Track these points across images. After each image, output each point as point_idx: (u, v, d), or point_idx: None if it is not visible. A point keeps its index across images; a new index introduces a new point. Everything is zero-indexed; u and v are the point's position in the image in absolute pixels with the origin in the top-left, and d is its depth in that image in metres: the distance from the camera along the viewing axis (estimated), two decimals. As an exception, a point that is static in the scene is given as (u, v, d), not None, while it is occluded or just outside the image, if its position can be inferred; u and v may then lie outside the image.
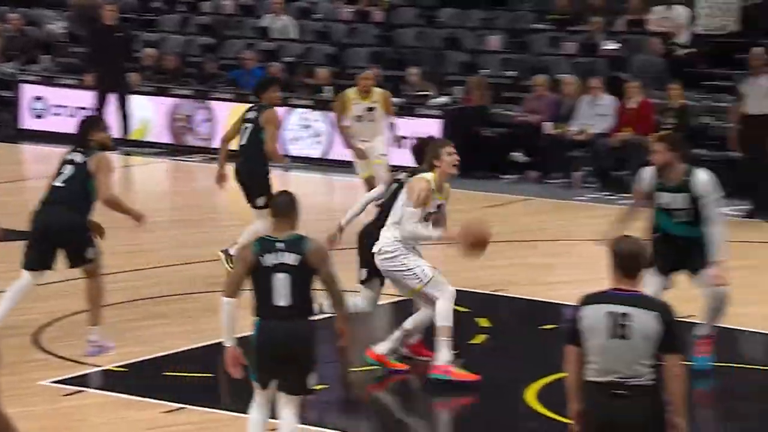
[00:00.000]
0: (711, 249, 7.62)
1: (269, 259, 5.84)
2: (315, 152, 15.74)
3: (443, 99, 15.83)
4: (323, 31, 18.22)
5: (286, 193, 6.13)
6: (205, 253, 10.81)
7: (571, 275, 10.12)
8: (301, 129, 15.94)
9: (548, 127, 14.99)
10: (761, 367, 8.38)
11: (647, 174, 7.74)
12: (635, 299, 5.11)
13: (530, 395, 7.45)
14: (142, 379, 7.78)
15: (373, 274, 7.88)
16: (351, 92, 12.18)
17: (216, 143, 16.61)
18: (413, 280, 7.57)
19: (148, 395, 7.41)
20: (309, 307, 5.91)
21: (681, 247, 7.70)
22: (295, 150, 15.65)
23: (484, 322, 8.36)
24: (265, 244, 5.90)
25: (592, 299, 5.17)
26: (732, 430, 7.28)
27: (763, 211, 12.77)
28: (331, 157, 15.46)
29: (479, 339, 8.37)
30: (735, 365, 8.25)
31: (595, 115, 14.76)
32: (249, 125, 10.02)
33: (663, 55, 15.48)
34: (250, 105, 10.37)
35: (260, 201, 9.84)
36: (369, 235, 7.93)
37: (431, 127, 15.13)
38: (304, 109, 15.93)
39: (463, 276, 8.94)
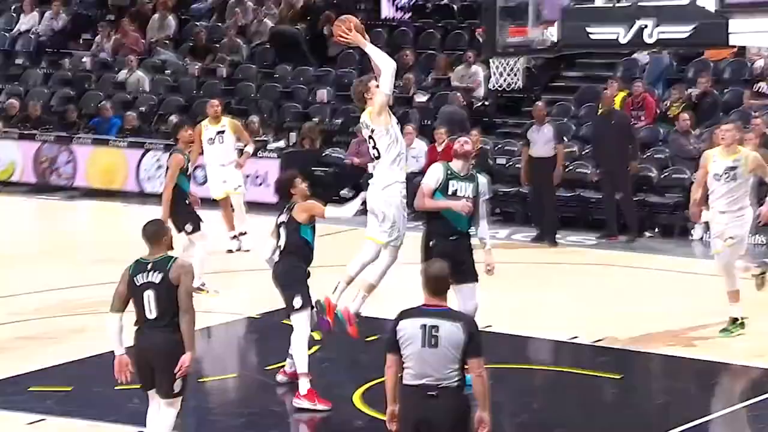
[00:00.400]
0: (484, 239, 7.63)
1: (140, 279, 5.98)
2: (168, 190, 15.52)
3: (281, 143, 15.84)
4: (174, 85, 17.97)
5: (153, 222, 6.22)
6: (65, 281, 10.45)
7: (390, 293, 10.16)
8: (156, 169, 15.73)
9: (370, 168, 15.08)
10: (548, 368, 8.57)
11: (438, 168, 7.61)
12: (443, 313, 5.21)
13: (357, 397, 7.41)
14: (7, 394, 7.41)
15: (306, 300, 7.49)
16: (204, 121, 12.46)
17: (77, 182, 16.39)
18: (383, 233, 7.31)
19: (12, 409, 7.07)
20: (175, 320, 5.93)
21: (455, 251, 7.38)
22: (150, 187, 15.52)
23: (317, 335, 8.28)
24: (138, 266, 6.03)
25: (408, 314, 5.24)
26: (526, 421, 7.42)
27: (547, 238, 13.17)
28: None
29: (313, 350, 8.28)
30: (527, 366, 8.43)
31: (410, 157, 14.95)
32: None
33: (465, 107, 15.86)
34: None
35: (188, 228, 9.94)
36: (285, 272, 7.52)
37: (271, 167, 15.16)
38: (158, 152, 15.70)
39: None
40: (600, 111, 13.88)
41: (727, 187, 8.82)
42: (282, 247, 7.63)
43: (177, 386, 5.99)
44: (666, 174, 13.87)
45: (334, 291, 7.53)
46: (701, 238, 13.16)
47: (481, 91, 16.37)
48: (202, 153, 12.20)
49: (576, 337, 8.94)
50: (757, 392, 7.63)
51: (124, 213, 14.84)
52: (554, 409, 7.53)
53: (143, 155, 15.68)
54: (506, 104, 16.13)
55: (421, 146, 14.93)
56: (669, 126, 14.56)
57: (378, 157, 7.51)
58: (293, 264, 7.58)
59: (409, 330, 5.17)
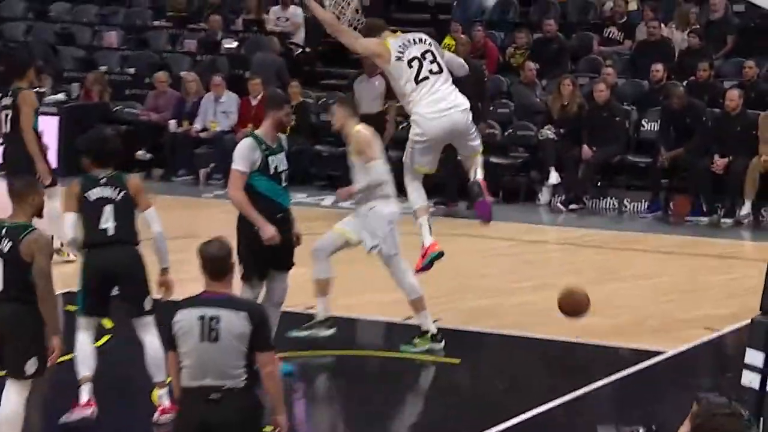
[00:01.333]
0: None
1: None
2: None
3: (60, 96, 15.42)
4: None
5: (21, 179, 6.21)
6: None
7: (198, 272, 10.14)
8: None
9: (172, 125, 14.96)
10: (379, 354, 8.76)
11: (250, 146, 7.38)
12: (224, 301, 5.13)
13: (155, 395, 7.35)
14: None
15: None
16: None
17: None
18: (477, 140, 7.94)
19: None
20: (25, 294, 5.92)
21: (283, 233, 7.47)
22: None
23: (108, 323, 8.19)
24: None
25: (185, 303, 5.18)
26: (357, 412, 7.60)
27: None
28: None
29: (103, 340, 8.18)
30: (357, 353, 8.60)
31: (219, 112, 14.91)
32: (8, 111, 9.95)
33: (282, 54, 15.88)
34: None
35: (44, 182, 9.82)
36: (135, 264, 6.96)
37: (49, 125, 14.69)
38: None
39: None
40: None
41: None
42: (114, 231, 6.89)
43: (30, 366, 5.97)
44: (510, 131, 14.35)
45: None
46: (549, 202, 13.72)
47: (301, 36, 16.43)
48: None
49: (410, 318, 9.18)
50: (605, 373, 8.08)
51: None
52: (387, 399, 7.74)
53: None
54: (331, 52, 16.27)
55: (231, 99, 14.91)
56: (512, 76, 15.06)
57: (440, 71, 7.78)
58: (138, 255, 6.97)
59: (186, 322, 5.10)
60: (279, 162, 7.51)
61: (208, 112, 14.94)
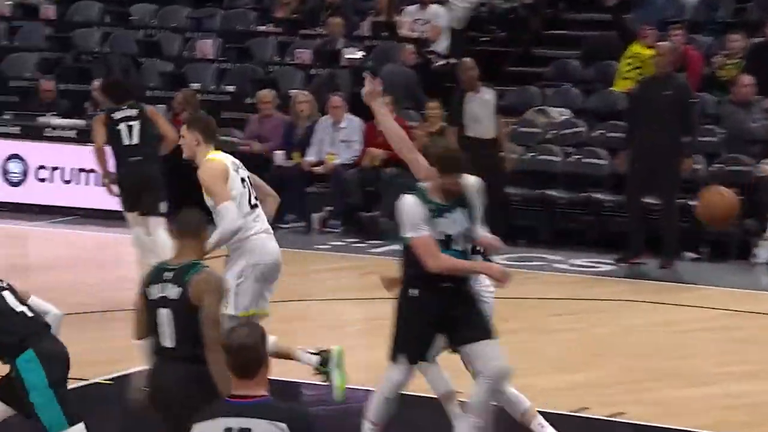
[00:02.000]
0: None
1: (155, 292, 6.32)
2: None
3: (141, 121, 15.87)
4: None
5: (191, 212, 6.53)
6: None
7: (309, 343, 10.30)
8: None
9: (279, 157, 15.26)
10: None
11: (413, 206, 7.38)
12: (256, 408, 5.07)
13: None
14: None
15: None
16: None
17: None
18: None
19: None
20: (197, 350, 6.18)
21: (448, 304, 7.46)
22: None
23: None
24: (156, 274, 6.38)
25: (206, 414, 5.12)
26: None
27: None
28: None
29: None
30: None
31: (338, 140, 15.14)
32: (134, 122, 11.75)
33: (418, 66, 16.04)
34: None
35: (162, 207, 11.75)
36: None
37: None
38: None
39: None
40: (647, 75, 14.00)
41: None
42: None
43: None
44: (718, 166, 14.24)
45: None
46: (768, 262, 13.59)
47: (443, 44, 16.61)
48: None
49: (586, 408, 9.16)
50: None
51: None
52: None
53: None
54: (482, 61, 16.38)
55: (354, 125, 15.14)
56: (721, 94, 14.95)
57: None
58: None
59: None
60: (451, 223, 7.43)
61: (325, 140, 15.20)
